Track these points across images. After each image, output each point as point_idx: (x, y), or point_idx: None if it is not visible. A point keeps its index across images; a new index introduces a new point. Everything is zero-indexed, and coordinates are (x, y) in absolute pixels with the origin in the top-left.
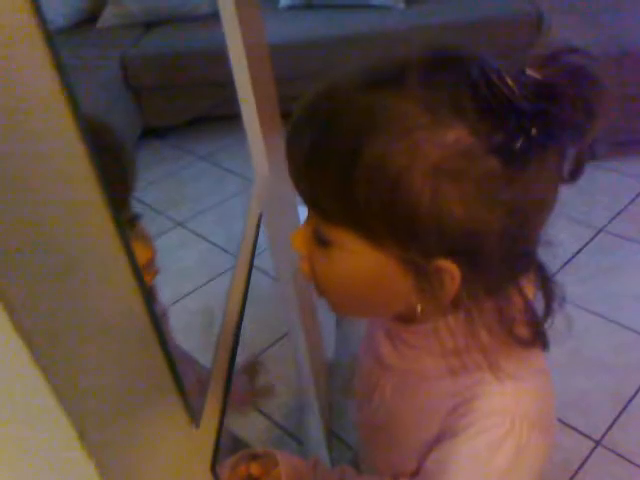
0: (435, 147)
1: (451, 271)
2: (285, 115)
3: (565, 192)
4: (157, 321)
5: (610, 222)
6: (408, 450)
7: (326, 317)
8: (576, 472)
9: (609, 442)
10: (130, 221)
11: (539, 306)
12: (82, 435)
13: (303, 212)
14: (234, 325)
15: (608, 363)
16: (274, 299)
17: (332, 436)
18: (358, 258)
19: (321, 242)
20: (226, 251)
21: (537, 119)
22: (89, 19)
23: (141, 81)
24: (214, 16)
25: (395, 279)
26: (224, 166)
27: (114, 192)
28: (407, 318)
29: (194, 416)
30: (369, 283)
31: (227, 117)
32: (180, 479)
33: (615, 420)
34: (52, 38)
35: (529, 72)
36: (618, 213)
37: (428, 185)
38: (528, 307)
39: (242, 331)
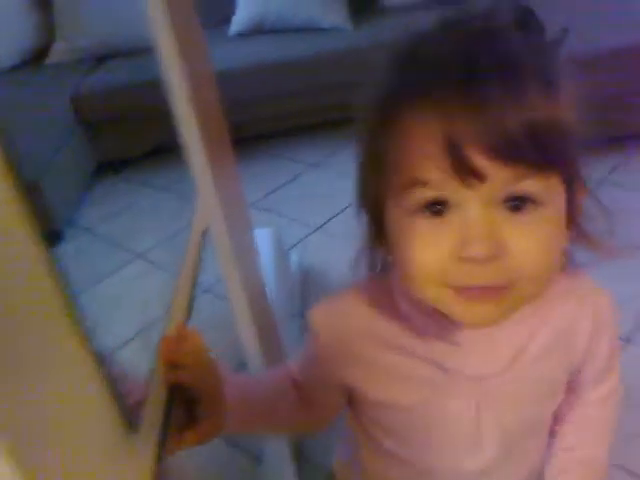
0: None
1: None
2: (240, 140)
3: None
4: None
5: None
6: (547, 413)
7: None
8: None
9: None
10: None
11: None
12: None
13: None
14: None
15: None
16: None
17: (301, 460)
18: (559, 208)
19: (518, 208)
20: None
21: None
22: (38, 56)
23: (93, 115)
24: None
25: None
26: (183, 196)
27: None
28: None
29: (129, 419)
30: (561, 237)
31: (183, 147)
32: None
33: None
34: None
35: None
36: None
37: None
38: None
39: None
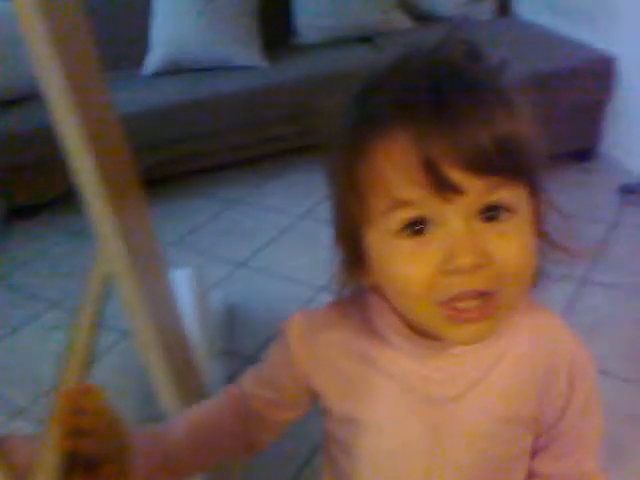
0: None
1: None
2: (156, 180)
3: None
4: None
5: None
6: (510, 456)
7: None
8: None
9: None
10: None
11: None
12: None
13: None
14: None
15: None
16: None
17: None
18: (528, 216)
19: (494, 218)
20: (105, 327)
21: None
22: None
23: (1, 160)
24: None
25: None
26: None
27: None
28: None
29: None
30: (534, 242)
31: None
32: None
33: None
34: None
35: None
36: None
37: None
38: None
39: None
